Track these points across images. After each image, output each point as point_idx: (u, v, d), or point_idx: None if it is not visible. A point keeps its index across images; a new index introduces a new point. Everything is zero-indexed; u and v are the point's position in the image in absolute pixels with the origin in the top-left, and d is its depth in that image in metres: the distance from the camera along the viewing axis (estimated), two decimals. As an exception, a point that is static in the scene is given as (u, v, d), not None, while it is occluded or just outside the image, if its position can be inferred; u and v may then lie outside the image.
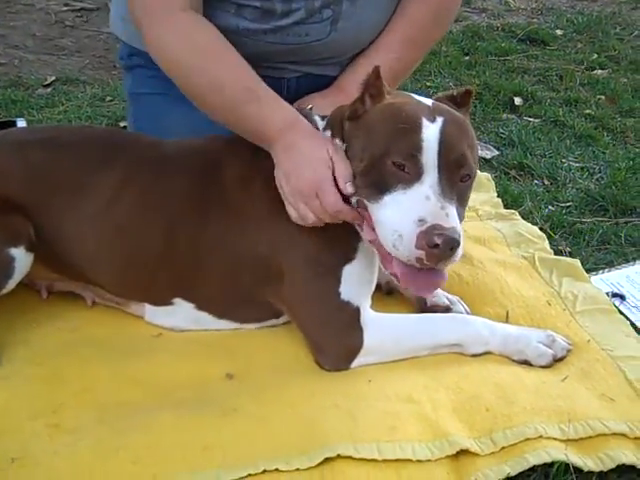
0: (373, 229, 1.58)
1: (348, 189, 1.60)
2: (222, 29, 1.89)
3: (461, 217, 1.55)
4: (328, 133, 1.71)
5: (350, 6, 1.98)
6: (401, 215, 1.49)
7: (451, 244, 1.45)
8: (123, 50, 2.27)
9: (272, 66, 2.04)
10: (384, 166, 1.52)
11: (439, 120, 1.54)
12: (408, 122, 1.54)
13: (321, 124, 1.76)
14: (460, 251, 1.49)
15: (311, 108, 1.84)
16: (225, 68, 1.82)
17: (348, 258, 1.68)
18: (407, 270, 1.52)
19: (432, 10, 2.05)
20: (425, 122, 1.53)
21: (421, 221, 1.46)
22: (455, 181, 1.53)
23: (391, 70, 1.91)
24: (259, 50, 1.98)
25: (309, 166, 1.65)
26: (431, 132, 1.52)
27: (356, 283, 1.68)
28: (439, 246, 1.44)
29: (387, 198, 1.53)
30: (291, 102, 1.88)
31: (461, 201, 1.56)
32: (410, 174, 1.51)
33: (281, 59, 2.03)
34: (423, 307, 1.86)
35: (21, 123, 2.71)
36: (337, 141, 1.67)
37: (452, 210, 1.50)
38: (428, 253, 1.45)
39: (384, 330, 1.68)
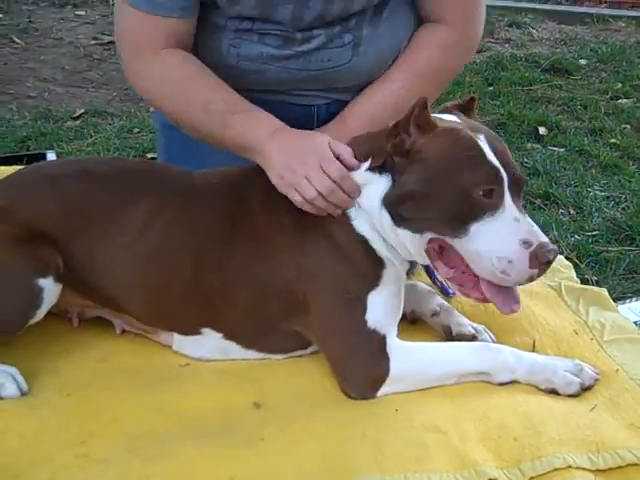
0: (448, 265, 1.65)
1: (354, 162, 1.70)
2: (248, 57, 1.96)
3: None
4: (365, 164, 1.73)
5: (371, 31, 2.01)
6: (503, 241, 1.56)
7: (556, 254, 1.58)
8: None
9: (301, 93, 2.08)
10: (471, 198, 1.57)
11: (482, 137, 1.62)
12: (476, 149, 1.61)
13: None
14: None
15: None
16: (208, 89, 1.93)
17: (372, 285, 1.69)
18: (498, 292, 1.63)
19: (445, 45, 2.07)
20: (483, 144, 1.61)
21: (526, 243, 1.55)
22: (520, 197, 1.63)
23: (397, 100, 1.96)
24: (284, 77, 2.03)
25: (309, 149, 1.74)
26: (490, 152, 1.61)
27: (382, 311, 1.69)
28: (551, 261, 1.56)
29: (474, 228, 1.58)
30: None
31: None
32: (495, 199, 1.58)
33: (307, 86, 2.06)
34: (449, 336, 1.85)
35: (51, 155, 2.76)
36: (361, 169, 1.71)
37: (534, 223, 1.60)
38: (540, 270, 1.57)
39: (410, 358, 1.68)
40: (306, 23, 1.96)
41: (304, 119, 2.10)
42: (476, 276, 1.64)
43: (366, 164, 1.71)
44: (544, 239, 1.56)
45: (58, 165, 2.14)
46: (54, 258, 1.74)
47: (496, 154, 1.61)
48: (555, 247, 1.57)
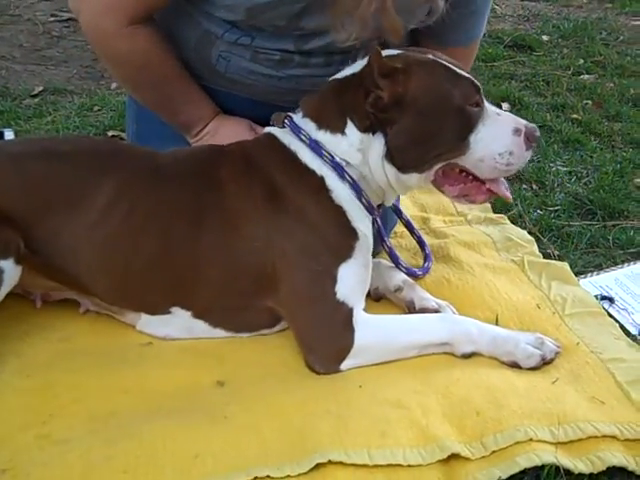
0: (453, 184, 1.78)
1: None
2: (237, 71, 2.00)
3: None
4: (312, 124, 1.76)
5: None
6: (499, 139, 1.71)
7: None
8: None
9: (287, 101, 2.05)
10: (465, 113, 1.69)
11: (431, 56, 1.73)
12: (447, 71, 1.70)
13: (298, 117, 1.80)
14: None
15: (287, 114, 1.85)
16: (166, 80, 2.01)
17: (344, 257, 1.69)
18: (499, 184, 1.78)
19: None
20: (445, 62, 1.72)
21: (517, 131, 1.71)
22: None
23: None
24: (272, 91, 2.01)
25: (235, 128, 2.01)
26: (454, 67, 1.72)
27: (351, 283, 1.69)
28: (539, 137, 1.73)
29: (473, 138, 1.70)
30: None
31: None
32: (480, 105, 1.71)
33: (295, 98, 2.04)
34: (412, 311, 1.86)
35: (9, 134, 2.72)
36: (349, 135, 1.73)
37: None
38: (533, 148, 1.73)
39: (374, 330, 1.69)
40: (310, 47, 1.94)
41: None
42: (478, 180, 1.77)
43: (353, 128, 1.72)
44: (524, 121, 1.73)
45: (20, 144, 2.10)
46: (14, 239, 1.70)
47: (457, 67, 1.73)
48: (533, 124, 1.73)
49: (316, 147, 1.73)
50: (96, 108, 3.40)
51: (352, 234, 1.72)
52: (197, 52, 2.01)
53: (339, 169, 1.72)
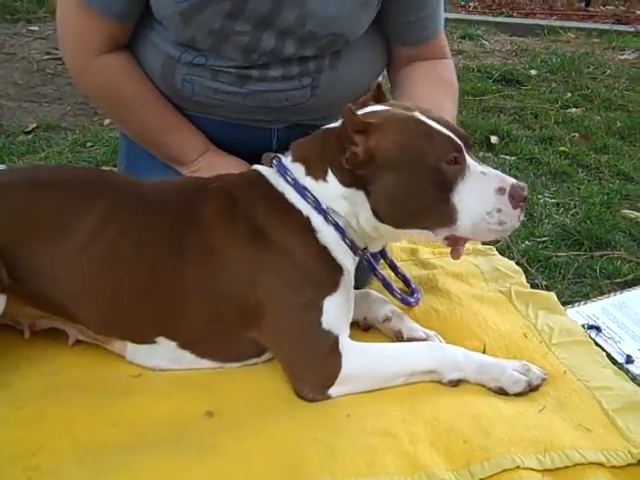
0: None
1: None
2: (203, 93, 2.02)
3: None
4: (301, 168, 1.77)
5: (330, 73, 2.04)
6: (483, 197, 1.63)
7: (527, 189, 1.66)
8: None
9: (258, 120, 2.09)
10: (441, 172, 1.63)
11: (417, 113, 1.70)
12: (422, 126, 1.66)
13: (287, 160, 1.80)
14: None
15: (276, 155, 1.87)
16: (146, 109, 2.06)
17: (330, 290, 1.71)
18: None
19: (436, 88, 2.13)
20: (422, 118, 1.67)
21: (500, 190, 1.63)
22: (471, 149, 1.71)
23: None
24: (241, 110, 2.04)
25: (230, 166, 1.97)
26: (432, 123, 1.67)
27: (337, 313, 1.70)
28: (526, 197, 1.64)
29: (456, 199, 1.64)
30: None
31: None
32: (460, 162, 1.64)
33: (265, 117, 2.08)
34: (401, 341, 1.87)
35: (2, 169, 2.74)
36: (330, 184, 1.73)
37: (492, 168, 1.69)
38: (522, 207, 1.65)
39: (361, 357, 1.70)
40: (259, 57, 1.97)
41: (262, 141, 2.12)
42: None
43: (334, 179, 1.73)
44: (512, 180, 1.65)
45: (3, 174, 2.12)
46: None
47: (438, 122, 1.67)
48: (525, 184, 1.65)
49: (302, 191, 1.75)
50: (89, 144, 3.44)
51: (337, 269, 1.74)
52: (163, 79, 2.04)
53: (324, 214, 1.74)
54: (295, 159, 1.79)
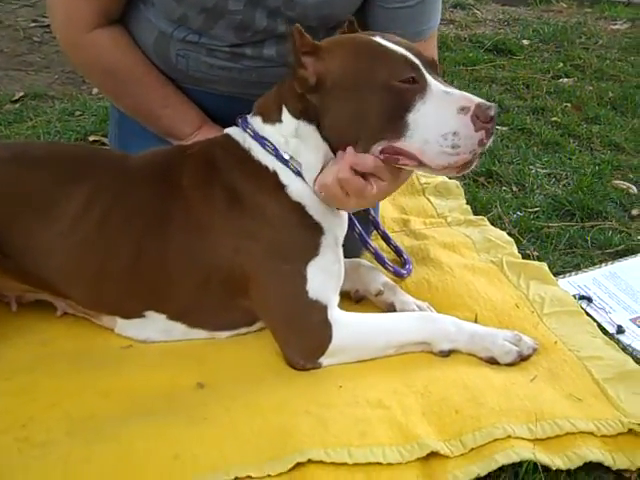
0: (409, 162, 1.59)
1: None
2: (198, 68, 2.00)
3: None
4: (258, 119, 1.75)
5: None
6: (441, 117, 1.53)
7: (496, 111, 1.52)
8: None
9: (252, 96, 2.06)
10: (395, 91, 1.55)
11: (378, 37, 1.63)
12: (376, 46, 1.59)
13: (249, 116, 1.79)
14: None
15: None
16: (139, 82, 2.03)
17: (311, 255, 1.68)
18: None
19: None
20: (378, 39, 1.61)
21: (464, 109, 1.51)
22: (439, 75, 1.61)
23: None
24: (237, 85, 2.01)
25: None
26: (390, 44, 1.59)
27: (322, 280, 1.68)
28: (493, 117, 1.51)
29: (412, 118, 1.55)
30: None
31: None
32: (419, 82, 1.55)
33: (261, 91, 2.05)
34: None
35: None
36: (285, 122, 1.70)
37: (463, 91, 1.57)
38: (487, 130, 1.51)
39: (352, 328, 1.69)
40: (252, 35, 1.94)
41: None
42: None
43: (287, 114, 1.69)
44: (479, 99, 1.53)
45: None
46: None
47: (399, 44, 1.60)
48: (493, 104, 1.53)
49: (261, 141, 1.71)
50: (77, 113, 3.40)
51: (315, 230, 1.70)
52: (157, 54, 2.02)
53: (283, 161, 1.70)
54: (255, 112, 1.78)
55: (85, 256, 1.74)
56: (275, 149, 1.70)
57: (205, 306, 1.76)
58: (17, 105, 3.49)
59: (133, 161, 1.84)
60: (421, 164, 1.58)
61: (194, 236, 1.71)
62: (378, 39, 1.62)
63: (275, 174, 1.71)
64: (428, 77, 1.57)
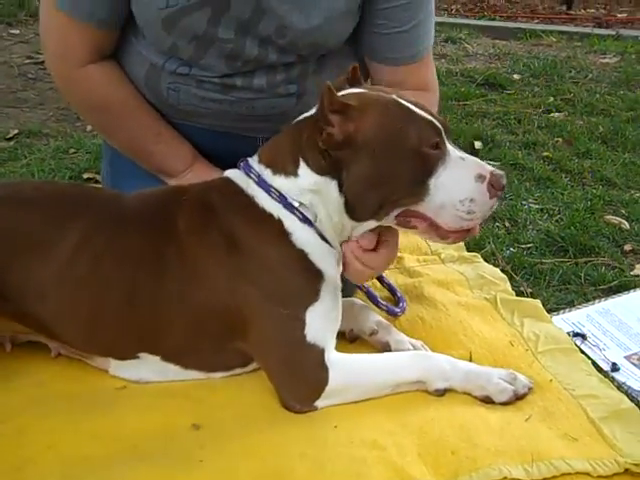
0: (417, 225, 1.67)
1: None
2: (189, 101, 2.01)
3: None
4: (268, 170, 1.73)
5: (315, 80, 2.01)
6: (461, 184, 1.60)
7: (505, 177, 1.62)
8: None
9: (245, 129, 2.08)
10: (423, 156, 1.60)
11: (396, 97, 1.65)
12: (403, 110, 1.62)
13: (254, 161, 1.78)
14: None
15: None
16: (132, 118, 2.04)
17: (311, 300, 1.68)
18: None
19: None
20: (403, 102, 1.63)
21: (480, 177, 1.59)
22: (450, 137, 1.67)
23: None
24: (228, 119, 2.03)
25: None
26: (413, 107, 1.63)
27: (321, 325, 1.68)
28: (504, 185, 1.61)
29: (432, 184, 1.61)
30: None
31: None
32: (441, 148, 1.61)
33: (253, 125, 2.06)
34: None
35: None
36: (302, 177, 1.69)
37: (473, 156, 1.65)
38: (499, 197, 1.62)
39: (348, 369, 1.69)
40: (243, 65, 1.96)
41: (249, 149, 2.11)
42: None
43: (306, 168, 1.69)
44: (491, 167, 1.62)
45: None
46: None
47: (418, 107, 1.64)
48: (503, 172, 1.62)
49: (267, 188, 1.71)
50: (72, 150, 3.42)
51: (317, 276, 1.71)
52: (148, 87, 2.03)
53: (291, 209, 1.69)
54: (261, 160, 1.76)
55: (78, 297, 1.73)
56: (282, 196, 1.70)
57: (199, 348, 1.76)
58: (11, 143, 3.51)
59: (128, 201, 1.84)
60: (432, 224, 1.66)
61: (189, 279, 1.71)
62: (403, 101, 1.63)
63: (280, 222, 1.70)
64: (447, 144, 1.63)
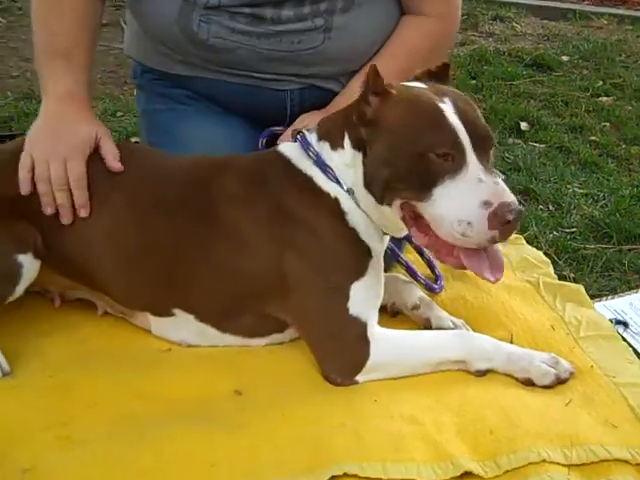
0: (423, 232, 1.64)
1: (118, 165, 1.79)
2: (219, 34, 2.00)
3: None
4: (326, 145, 1.75)
5: (344, 17, 2.03)
6: (463, 203, 1.53)
7: (520, 216, 1.53)
8: (136, 69, 2.34)
9: (273, 77, 2.08)
10: (429, 162, 1.56)
11: (447, 100, 1.60)
12: (433, 111, 1.59)
13: (312, 137, 1.79)
14: None
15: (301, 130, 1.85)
16: (60, 24, 1.95)
17: (358, 275, 1.70)
18: (473, 256, 1.60)
19: (430, 37, 2.11)
20: (443, 106, 1.59)
21: (486, 204, 1.51)
22: (487, 153, 1.60)
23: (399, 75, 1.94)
24: (254, 57, 2.03)
25: (70, 136, 1.80)
26: (452, 114, 1.58)
27: (364, 299, 1.70)
28: (511, 222, 1.51)
29: (437, 192, 1.56)
30: (296, 115, 2.03)
31: (493, 167, 1.61)
32: (455, 161, 1.55)
33: (279, 68, 2.07)
34: (428, 329, 1.87)
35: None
36: (346, 150, 1.71)
37: (501, 181, 1.56)
38: (501, 231, 1.52)
39: (390, 345, 1.70)
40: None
41: (277, 104, 2.13)
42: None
43: (348, 142, 1.71)
44: (508, 199, 1.52)
45: None
46: (33, 235, 1.75)
47: (460, 115, 1.58)
48: (520, 208, 1.53)
49: (325, 169, 1.74)
50: (119, 114, 3.45)
51: (365, 253, 1.73)
52: (179, 23, 2.02)
53: (345, 189, 1.72)
54: (319, 136, 1.78)
55: (120, 251, 1.78)
56: (337, 178, 1.73)
57: (236, 312, 1.78)
58: (60, 103, 3.53)
59: (180, 162, 1.88)
60: (430, 233, 1.63)
61: (232, 243, 1.74)
62: (444, 102, 1.60)
63: (337, 201, 1.73)
64: (471, 159, 1.56)
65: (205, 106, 2.20)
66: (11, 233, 1.73)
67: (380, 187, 1.65)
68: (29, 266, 1.74)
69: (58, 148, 1.78)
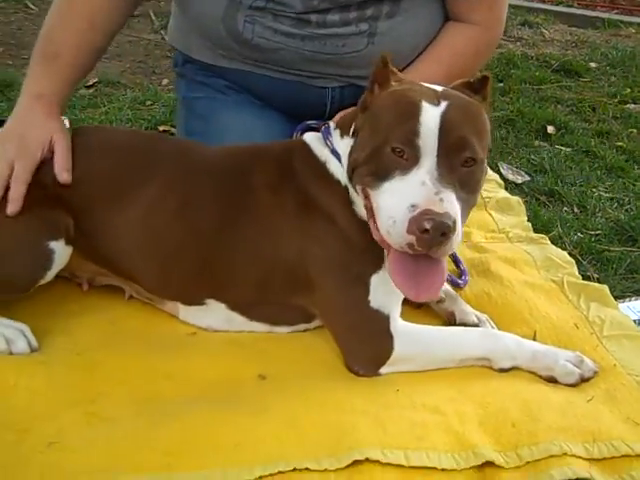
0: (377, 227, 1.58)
1: (64, 176, 1.77)
2: (263, 34, 2.03)
3: (468, 203, 1.55)
4: (337, 133, 1.78)
5: (388, 22, 2.05)
6: (395, 201, 1.50)
7: (441, 229, 1.43)
8: (178, 58, 2.38)
9: (315, 75, 2.10)
10: (383, 153, 1.54)
11: (443, 104, 1.55)
12: (407, 107, 1.55)
13: (332, 126, 1.81)
14: (457, 238, 1.48)
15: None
16: (62, 28, 2.00)
17: (376, 267, 1.70)
18: (398, 263, 1.54)
19: (474, 43, 2.12)
20: (426, 106, 1.53)
21: (413, 206, 1.45)
22: (456, 165, 1.52)
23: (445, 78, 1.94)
24: (298, 58, 2.05)
25: (21, 138, 1.81)
26: (431, 116, 1.52)
27: (385, 291, 1.69)
28: (429, 231, 1.42)
29: (386, 185, 1.54)
30: (335, 112, 2.03)
31: (466, 187, 1.54)
32: (408, 160, 1.51)
33: (322, 69, 2.09)
34: (452, 323, 1.89)
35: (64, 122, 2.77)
36: (340, 138, 1.74)
37: (449, 195, 1.48)
38: (419, 238, 1.44)
39: (414, 339, 1.71)
40: (319, 3, 2.00)
41: (318, 100, 2.15)
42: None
43: (352, 130, 1.71)
44: (436, 209, 1.44)
45: (84, 132, 2.07)
46: (65, 221, 1.77)
47: (443, 120, 1.52)
48: (445, 221, 1.43)
49: (336, 154, 1.75)
50: (148, 102, 3.48)
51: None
52: (225, 22, 2.05)
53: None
54: (337, 125, 1.81)
55: (153, 242, 1.80)
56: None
57: (265, 301, 1.80)
58: (91, 90, 3.58)
59: (210, 152, 1.89)
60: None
61: (262, 234, 1.76)
62: (431, 104, 1.54)
63: (346, 189, 1.73)
64: (425, 163, 1.51)
65: (244, 97, 2.24)
66: (44, 220, 1.75)
67: (350, 169, 1.66)
68: (61, 252, 1.76)
69: (8, 150, 1.80)
